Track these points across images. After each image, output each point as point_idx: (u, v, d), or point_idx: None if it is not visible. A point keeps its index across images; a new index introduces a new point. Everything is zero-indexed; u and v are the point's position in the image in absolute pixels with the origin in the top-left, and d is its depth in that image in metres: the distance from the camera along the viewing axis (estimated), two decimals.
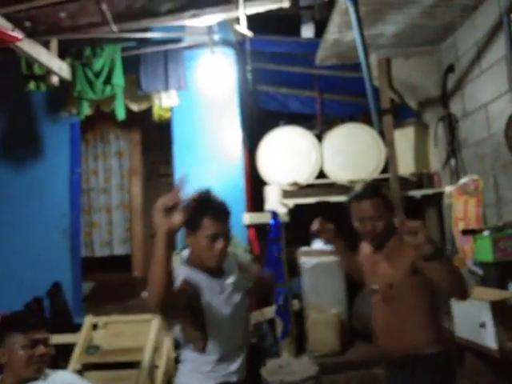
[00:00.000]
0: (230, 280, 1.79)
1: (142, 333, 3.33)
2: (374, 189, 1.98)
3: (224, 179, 4.34)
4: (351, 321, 4.42)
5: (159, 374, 3.24)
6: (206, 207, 1.72)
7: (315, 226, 2.21)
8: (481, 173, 3.77)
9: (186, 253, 1.80)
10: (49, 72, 3.93)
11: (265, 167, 4.66)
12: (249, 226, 4.25)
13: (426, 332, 1.86)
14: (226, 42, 4.49)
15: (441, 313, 1.88)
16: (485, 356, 2.54)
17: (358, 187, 2.03)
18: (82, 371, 3.19)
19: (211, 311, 1.68)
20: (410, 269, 1.83)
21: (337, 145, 4.69)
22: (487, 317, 2.38)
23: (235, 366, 1.74)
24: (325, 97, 5.60)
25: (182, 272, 1.70)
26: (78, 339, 3.37)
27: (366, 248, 2.13)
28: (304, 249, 4.70)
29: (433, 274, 1.69)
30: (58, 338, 3.42)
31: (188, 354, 1.73)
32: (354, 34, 4.05)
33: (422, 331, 1.86)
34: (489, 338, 2.38)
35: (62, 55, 4.08)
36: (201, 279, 1.71)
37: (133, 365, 3.41)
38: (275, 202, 4.43)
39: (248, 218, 4.22)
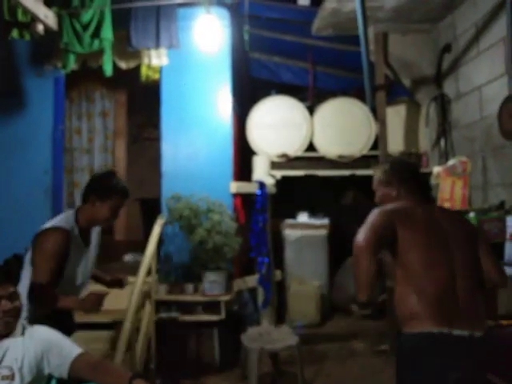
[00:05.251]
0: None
1: (123, 295, 3.29)
2: None
3: (212, 146, 4.26)
4: (332, 294, 4.49)
5: (140, 336, 3.23)
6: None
7: None
8: (470, 155, 3.79)
9: None
10: (34, 19, 3.72)
11: (254, 136, 4.59)
12: (235, 195, 4.21)
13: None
14: (221, 3, 4.32)
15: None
16: None
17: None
18: None
19: None
20: None
21: (328, 118, 4.65)
22: None
23: None
24: (318, 69, 5.49)
25: None
26: None
27: None
28: (289, 221, 4.71)
29: None
30: None
31: None
32: (353, 5, 3.95)
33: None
34: None
35: (48, 3, 3.86)
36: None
37: (109, 326, 3.40)
38: (263, 172, 4.39)
39: (235, 186, 4.17)
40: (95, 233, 2.38)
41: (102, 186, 2.22)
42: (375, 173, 2.09)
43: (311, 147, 4.62)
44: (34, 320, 2.13)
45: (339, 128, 4.60)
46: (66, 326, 2.26)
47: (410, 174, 2.04)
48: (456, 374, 1.64)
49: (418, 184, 2.02)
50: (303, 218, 4.75)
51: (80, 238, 2.22)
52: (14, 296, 1.79)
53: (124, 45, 4.15)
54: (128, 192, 2.29)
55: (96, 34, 3.97)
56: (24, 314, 2.11)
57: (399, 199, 1.96)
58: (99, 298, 2.09)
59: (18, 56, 4.32)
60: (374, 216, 1.84)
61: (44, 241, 2.12)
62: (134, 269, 3.41)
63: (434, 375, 1.64)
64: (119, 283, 2.47)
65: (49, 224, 2.18)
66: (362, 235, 1.75)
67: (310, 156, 4.61)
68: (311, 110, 4.74)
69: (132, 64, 4.36)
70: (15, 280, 1.86)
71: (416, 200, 1.95)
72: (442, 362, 1.63)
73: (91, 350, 1.91)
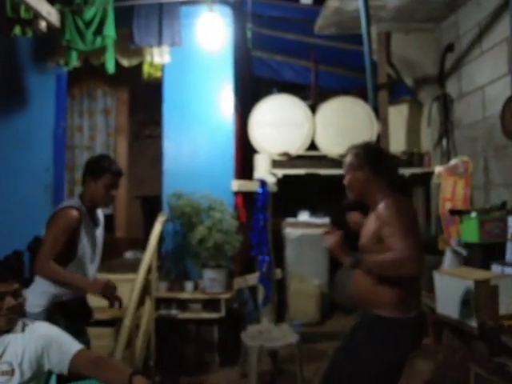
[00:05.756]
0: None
1: (123, 292, 3.30)
2: None
3: (214, 144, 4.25)
4: (332, 293, 4.49)
5: (140, 333, 3.23)
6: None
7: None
8: (472, 155, 3.78)
9: None
10: (36, 16, 3.72)
11: (256, 135, 4.59)
12: (236, 193, 4.21)
13: (377, 295, 1.93)
14: (224, 1, 4.31)
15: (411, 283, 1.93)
16: (461, 333, 2.60)
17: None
18: None
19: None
20: (373, 236, 1.95)
21: (330, 117, 4.64)
22: (470, 295, 2.42)
23: None
24: (320, 68, 5.49)
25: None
26: None
27: None
28: (290, 220, 4.71)
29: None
30: None
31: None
32: (356, 4, 3.95)
33: (374, 293, 1.94)
34: (470, 316, 2.43)
35: (50, 0, 3.85)
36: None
37: (110, 323, 3.40)
38: (264, 170, 4.39)
39: (236, 184, 4.16)
40: (101, 218, 2.56)
41: (95, 167, 2.42)
42: (346, 156, 2.09)
43: (313, 146, 4.61)
44: (50, 307, 2.25)
45: (341, 127, 4.59)
46: (82, 314, 2.42)
47: (382, 159, 2.05)
48: (418, 343, 2.00)
49: (389, 171, 2.05)
50: (304, 216, 4.75)
51: (88, 216, 2.41)
52: (18, 293, 1.79)
53: (126, 42, 4.14)
54: (120, 171, 2.45)
55: (98, 31, 3.96)
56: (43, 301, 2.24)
57: (369, 184, 2.00)
58: (109, 286, 2.26)
59: (21, 53, 4.31)
60: (405, 216, 1.86)
61: (56, 218, 2.32)
62: (134, 266, 3.41)
63: (402, 348, 1.93)
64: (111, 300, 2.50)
65: (59, 206, 2.40)
66: (410, 249, 1.77)
67: (312, 155, 4.60)
68: (313, 109, 4.72)
69: (134, 61, 4.35)
70: (17, 276, 1.87)
71: (389, 188, 1.98)
72: (407, 336, 1.92)
73: (96, 347, 1.91)
